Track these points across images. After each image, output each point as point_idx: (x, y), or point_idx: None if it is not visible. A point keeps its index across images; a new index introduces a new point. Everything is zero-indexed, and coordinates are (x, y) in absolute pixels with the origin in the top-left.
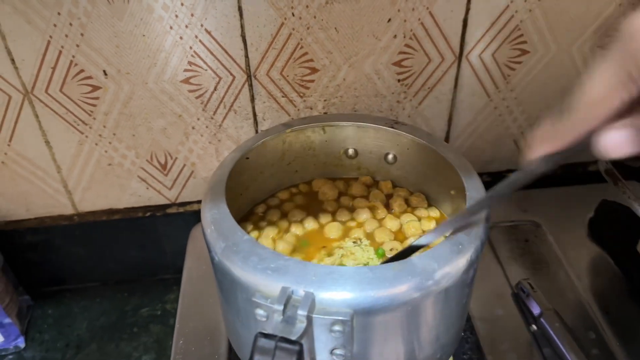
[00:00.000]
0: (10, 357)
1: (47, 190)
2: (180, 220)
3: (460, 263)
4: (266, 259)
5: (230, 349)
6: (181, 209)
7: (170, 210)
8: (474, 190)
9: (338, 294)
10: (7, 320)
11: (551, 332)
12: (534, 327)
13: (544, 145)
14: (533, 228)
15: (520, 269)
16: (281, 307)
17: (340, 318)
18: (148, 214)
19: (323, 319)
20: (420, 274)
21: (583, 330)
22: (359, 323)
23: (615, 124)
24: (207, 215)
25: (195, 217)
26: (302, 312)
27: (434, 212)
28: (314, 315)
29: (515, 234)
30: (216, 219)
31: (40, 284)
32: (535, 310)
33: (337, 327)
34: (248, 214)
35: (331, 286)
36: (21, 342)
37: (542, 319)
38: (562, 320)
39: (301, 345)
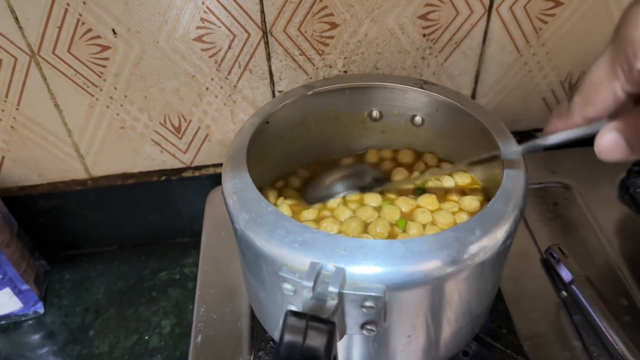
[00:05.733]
0: (30, 322)
1: (58, 154)
2: (196, 184)
3: (498, 235)
4: (293, 232)
5: (253, 316)
6: (197, 173)
7: (185, 174)
8: (512, 154)
9: (369, 269)
10: (25, 286)
11: (582, 299)
12: (564, 293)
13: (557, 121)
14: (562, 190)
15: (549, 233)
16: (311, 284)
17: (372, 294)
18: (163, 177)
19: (354, 295)
20: (456, 247)
21: (615, 297)
22: (391, 298)
23: (608, 124)
24: (228, 186)
25: (211, 181)
26: (333, 289)
27: (464, 178)
28: (345, 292)
29: (543, 196)
30: (238, 189)
31: (57, 248)
32: (566, 276)
33: (369, 303)
34: (270, 182)
35: (362, 260)
36: (40, 308)
37: (573, 286)
38: (593, 287)
39: (333, 324)
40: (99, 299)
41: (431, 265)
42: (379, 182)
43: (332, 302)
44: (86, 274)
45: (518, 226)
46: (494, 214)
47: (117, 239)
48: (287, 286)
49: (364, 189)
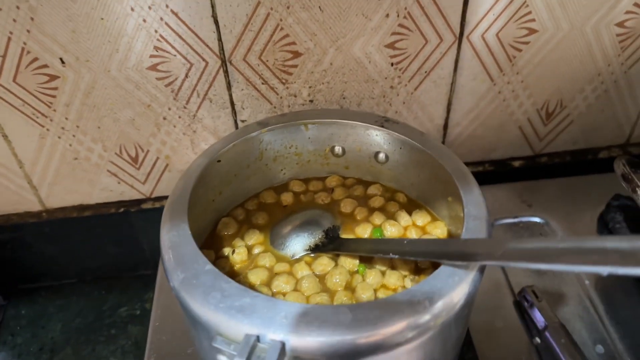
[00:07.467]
0: None
1: (10, 186)
2: (156, 215)
3: (456, 297)
4: (230, 296)
5: None
6: (157, 204)
7: (145, 206)
8: (473, 205)
9: (312, 340)
10: None
11: (556, 348)
12: (538, 340)
13: None
14: (539, 225)
15: (524, 272)
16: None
17: None
18: (122, 209)
19: None
20: (409, 313)
21: (591, 344)
22: None
23: None
24: (165, 239)
25: None
26: None
27: (422, 218)
28: None
29: (518, 231)
30: (175, 244)
31: (13, 282)
32: (540, 322)
33: None
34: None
35: (304, 330)
36: None
37: (546, 333)
38: (568, 335)
39: None
40: (55, 337)
41: (380, 334)
42: (334, 233)
43: None
44: (43, 309)
45: (479, 285)
46: (451, 274)
47: (77, 272)
48: (222, 358)
49: (316, 248)
